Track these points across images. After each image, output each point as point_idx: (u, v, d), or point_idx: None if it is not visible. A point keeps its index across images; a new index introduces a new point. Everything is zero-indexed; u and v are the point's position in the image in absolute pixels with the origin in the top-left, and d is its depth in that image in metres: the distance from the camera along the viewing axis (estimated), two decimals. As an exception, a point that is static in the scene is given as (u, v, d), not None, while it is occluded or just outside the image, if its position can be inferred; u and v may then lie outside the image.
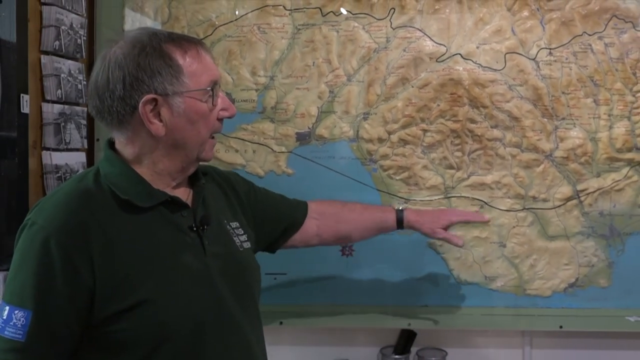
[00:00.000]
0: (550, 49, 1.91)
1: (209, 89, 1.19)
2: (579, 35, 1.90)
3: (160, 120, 1.16)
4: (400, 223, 1.68)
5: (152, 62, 1.13)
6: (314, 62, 1.96)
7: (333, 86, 1.96)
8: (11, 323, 1.07)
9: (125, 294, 1.11)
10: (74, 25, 1.87)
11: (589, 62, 1.90)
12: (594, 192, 1.92)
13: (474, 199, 1.94)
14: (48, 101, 1.77)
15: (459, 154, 1.94)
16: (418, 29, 1.94)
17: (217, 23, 1.98)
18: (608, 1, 1.89)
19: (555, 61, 1.91)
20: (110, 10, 2.00)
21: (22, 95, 1.65)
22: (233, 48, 1.97)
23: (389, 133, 1.95)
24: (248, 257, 1.35)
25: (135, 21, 2.00)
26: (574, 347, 2.00)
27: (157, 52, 1.14)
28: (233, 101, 1.95)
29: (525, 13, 1.91)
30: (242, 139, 1.98)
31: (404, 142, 1.95)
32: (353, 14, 1.95)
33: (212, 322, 1.19)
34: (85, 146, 1.94)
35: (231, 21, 1.98)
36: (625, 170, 1.91)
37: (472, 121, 1.93)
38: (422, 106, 1.93)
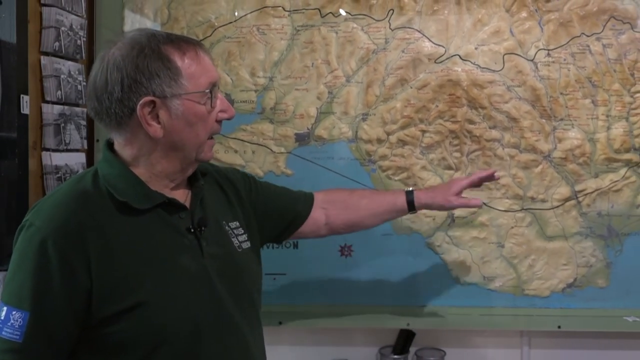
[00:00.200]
0: (548, 50, 1.91)
1: (207, 91, 1.19)
2: (577, 37, 1.91)
3: (159, 122, 1.15)
4: (411, 205, 1.62)
5: (151, 64, 1.13)
6: (313, 63, 1.96)
7: (332, 87, 1.96)
8: (9, 324, 1.07)
9: (123, 295, 1.11)
10: (74, 27, 1.88)
11: (587, 63, 1.91)
12: (592, 192, 1.92)
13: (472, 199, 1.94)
14: (48, 102, 1.78)
15: (457, 154, 1.94)
16: (417, 30, 1.94)
17: (216, 24, 1.98)
18: (606, 2, 1.90)
19: (553, 62, 1.91)
20: (110, 12, 2.00)
21: (22, 96, 1.65)
22: (232, 49, 1.98)
23: (388, 134, 1.95)
24: (247, 258, 1.34)
25: (134, 22, 2.00)
26: (572, 347, 2.00)
27: (155, 54, 1.14)
28: (232, 102, 1.96)
29: (524, 14, 1.92)
30: (242, 140, 1.99)
31: (402, 142, 1.95)
32: (352, 15, 1.96)
33: (210, 323, 1.19)
34: (85, 147, 1.94)
35: (230, 22, 1.98)
36: (623, 171, 1.91)
37: (471, 122, 1.93)
38: (420, 107, 1.94)
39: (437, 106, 1.94)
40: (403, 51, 1.94)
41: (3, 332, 1.07)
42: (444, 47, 1.94)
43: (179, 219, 1.21)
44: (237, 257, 1.30)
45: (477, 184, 1.68)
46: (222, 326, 1.21)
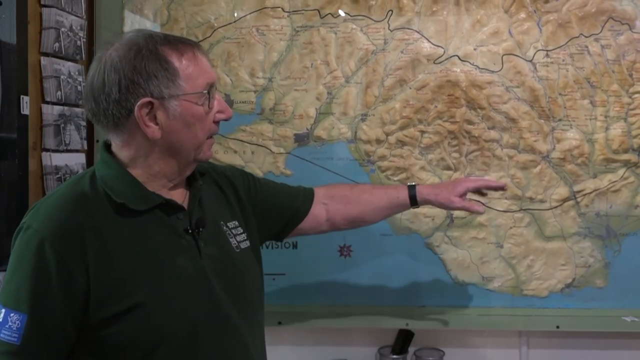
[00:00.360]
0: (547, 50, 1.92)
1: (205, 92, 1.18)
2: (576, 37, 1.91)
3: (156, 124, 1.15)
4: (413, 199, 1.60)
5: (148, 65, 1.13)
6: (312, 64, 1.97)
7: (331, 88, 1.97)
8: (7, 326, 1.07)
9: (121, 297, 1.11)
10: (74, 27, 1.88)
11: (585, 64, 1.91)
12: (591, 193, 1.93)
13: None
14: (48, 102, 1.79)
15: (456, 155, 1.95)
16: (416, 31, 1.95)
17: (215, 25, 1.99)
18: (604, 3, 1.90)
19: (552, 63, 1.92)
20: (109, 12, 2.01)
21: (22, 96, 1.66)
22: (232, 50, 1.98)
23: (387, 134, 1.96)
24: (245, 258, 1.34)
25: (134, 23, 2.00)
26: (570, 347, 2.01)
27: (153, 54, 1.13)
28: (232, 103, 1.96)
29: (522, 15, 1.92)
30: (241, 140, 1.99)
31: (401, 143, 1.96)
32: (351, 16, 1.96)
33: (208, 324, 1.19)
34: (85, 147, 1.95)
35: (230, 23, 1.99)
36: (621, 172, 1.92)
37: (470, 122, 1.94)
38: (419, 107, 1.94)
39: (436, 107, 1.94)
40: (402, 52, 1.95)
41: (1, 335, 1.07)
42: (442, 47, 1.94)
43: (176, 219, 1.21)
44: (235, 258, 1.30)
45: (482, 189, 1.68)
46: (220, 327, 1.21)
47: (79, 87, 1.90)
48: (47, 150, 1.78)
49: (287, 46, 1.98)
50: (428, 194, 1.61)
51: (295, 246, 1.99)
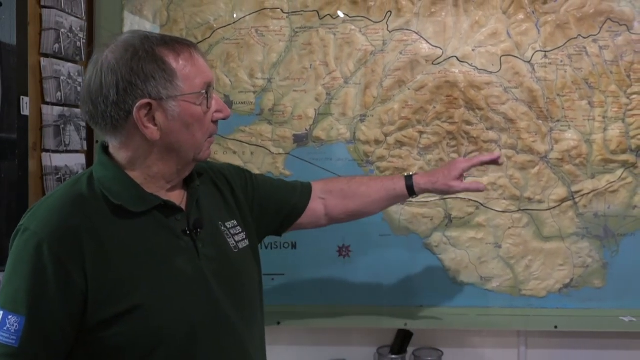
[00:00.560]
0: (545, 51, 1.92)
1: (203, 91, 1.18)
2: (574, 38, 1.92)
3: (155, 125, 1.15)
4: (411, 190, 1.59)
5: (146, 66, 1.12)
6: (311, 65, 1.97)
7: (330, 88, 1.97)
8: (5, 328, 1.07)
9: (119, 298, 1.11)
10: (74, 28, 1.89)
11: (583, 65, 1.92)
12: (589, 193, 1.93)
13: (469, 200, 1.95)
14: (48, 103, 1.79)
15: (455, 155, 1.95)
16: (414, 32, 1.95)
17: (215, 26, 1.99)
18: (603, 4, 1.91)
19: (550, 64, 1.92)
20: (109, 13, 2.01)
21: (22, 97, 1.66)
22: (231, 51, 1.99)
23: (386, 135, 1.96)
24: (244, 258, 1.34)
25: (134, 24, 2.01)
26: (568, 347, 2.01)
27: (150, 56, 1.13)
28: (231, 103, 1.97)
29: (521, 16, 1.93)
30: (240, 141, 2.00)
31: (400, 143, 1.96)
32: (350, 17, 1.96)
33: (207, 324, 1.19)
34: (85, 148, 1.96)
35: (229, 24, 1.99)
36: (619, 172, 1.92)
37: (468, 123, 1.94)
38: (418, 108, 1.95)
39: (434, 107, 1.95)
40: (401, 53, 1.95)
41: None
42: (441, 48, 1.95)
43: (175, 221, 1.21)
44: (233, 258, 1.30)
45: (477, 165, 1.67)
46: (219, 327, 1.21)
47: (78, 88, 1.90)
48: (47, 150, 1.78)
49: (286, 47, 1.98)
50: (425, 183, 1.60)
51: (294, 246, 2.00)
